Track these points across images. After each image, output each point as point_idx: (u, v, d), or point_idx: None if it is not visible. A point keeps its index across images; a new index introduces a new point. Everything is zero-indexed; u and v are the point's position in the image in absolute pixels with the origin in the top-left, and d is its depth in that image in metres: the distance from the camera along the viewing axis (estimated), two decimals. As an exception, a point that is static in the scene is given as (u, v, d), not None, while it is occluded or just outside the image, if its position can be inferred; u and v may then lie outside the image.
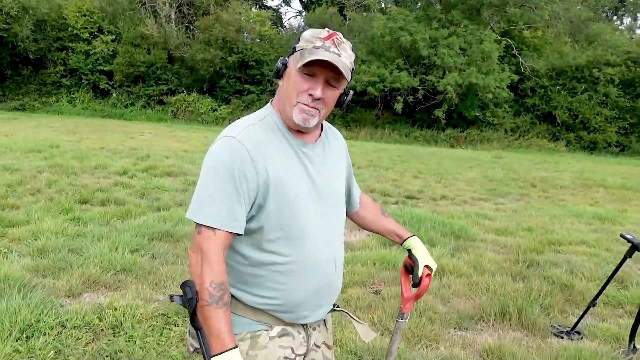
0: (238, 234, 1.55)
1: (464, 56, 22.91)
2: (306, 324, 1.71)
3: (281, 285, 1.60)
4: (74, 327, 3.42)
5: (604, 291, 3.93)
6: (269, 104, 1.72)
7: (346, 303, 4.15)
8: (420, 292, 1.85)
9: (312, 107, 1.57)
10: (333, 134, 1.84)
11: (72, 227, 5.60)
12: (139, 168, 9.48)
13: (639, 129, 25.04)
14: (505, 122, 24.73)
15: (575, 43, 28.05)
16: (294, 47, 1.61)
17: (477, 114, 24.21)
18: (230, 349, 1.44)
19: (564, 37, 27.66)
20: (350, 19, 28.41)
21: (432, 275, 1.87)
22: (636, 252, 3.59)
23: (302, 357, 1.71)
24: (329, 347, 1.83)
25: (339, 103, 1.69)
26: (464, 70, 22.25)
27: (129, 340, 3.34)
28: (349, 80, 1.61)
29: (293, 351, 1.66)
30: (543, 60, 25.82)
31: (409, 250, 1.91)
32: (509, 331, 3.93)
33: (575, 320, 3.95)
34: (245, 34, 27.15)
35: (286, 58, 1.65)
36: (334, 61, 1.52)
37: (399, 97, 23.01)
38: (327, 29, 1.62)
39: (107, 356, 3.15)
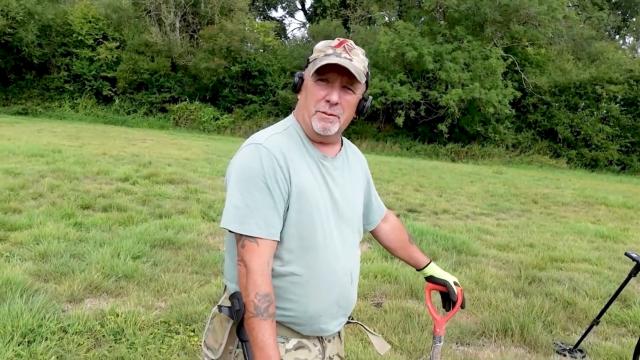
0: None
1: (467, 71, 22.98)
2: (322, 336, 1.70)
3: (299, 297, 1.59)
4: (76, 332, 3.41)
5: (607, 310, 3.92)
6: (291, 114, 1.73)
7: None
8: (457, 308, 1.95)
9: (330, 114, 1.58)
10: (352, 150, 1.86)
11: (74, 233, 5.60)
12: (141, 175, 9.47)
13: (640, 148, 25.06)
14: (506, 137, 24.75)
15: (577, 61, 28.16)
16: (308, 60, 1.64)
17: (478, 129, 24.24)
18: None
19: (567, 54, 27.78)
20: (354, 31, 28.56)
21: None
22: (641, 271, 3.58)
23: None
24: (341, 358, 1.83)
25: (359, 111, 1.70)
26: (467, 85, 22.31)
27: (130, 347, 3.32)
28: (363, 83, 1.63)
29: None
30: (546, 77, 25.89)
31: (431, 277, 1.97)
32: (511, 347, 3.91)
33: (578, 338, 3.93)
34: (249, 44, 27.29)
35: (302, 72, 1.67)
36: (345, 65, 1.53)
37: (401, 111, 23.06)
38: (338, 38, 1.64)
39: (108, 363, 3.13)
